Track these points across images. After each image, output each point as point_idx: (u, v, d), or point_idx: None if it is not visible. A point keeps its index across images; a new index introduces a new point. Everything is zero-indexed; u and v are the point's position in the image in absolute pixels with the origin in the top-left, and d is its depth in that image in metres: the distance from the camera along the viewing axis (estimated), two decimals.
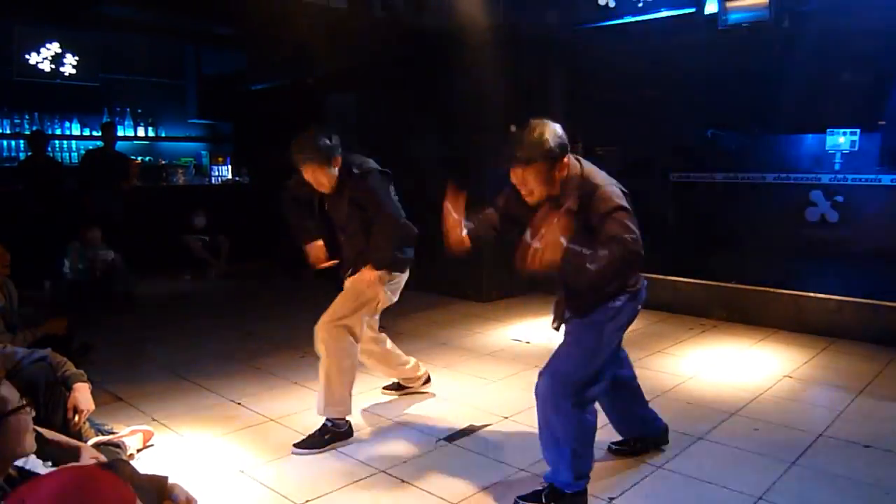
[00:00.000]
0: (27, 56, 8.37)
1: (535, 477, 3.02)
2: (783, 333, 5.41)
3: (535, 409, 3.80)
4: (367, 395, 4.09)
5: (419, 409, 3.88)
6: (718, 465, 3.14)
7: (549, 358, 2.81)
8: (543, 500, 2.75)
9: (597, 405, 2.86)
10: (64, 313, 4.35)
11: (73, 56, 8.70)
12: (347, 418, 3.46)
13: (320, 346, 3.44)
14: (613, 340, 2.78)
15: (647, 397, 3.98)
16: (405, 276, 3.70)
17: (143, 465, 3.09)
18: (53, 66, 8.56)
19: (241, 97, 9.77)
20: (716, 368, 4.60)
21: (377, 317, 3.76)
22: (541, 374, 2.80)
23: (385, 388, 4.18)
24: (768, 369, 4.57)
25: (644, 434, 3.29)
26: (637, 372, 4.39)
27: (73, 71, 8.73)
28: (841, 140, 5.59)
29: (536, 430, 3.52)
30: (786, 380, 4.36)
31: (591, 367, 2.71)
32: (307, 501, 2.82)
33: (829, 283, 5.39)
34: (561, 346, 2.82)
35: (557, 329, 2.89)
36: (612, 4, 5.99)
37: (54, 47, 8.54)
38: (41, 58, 8.46)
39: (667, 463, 3.15)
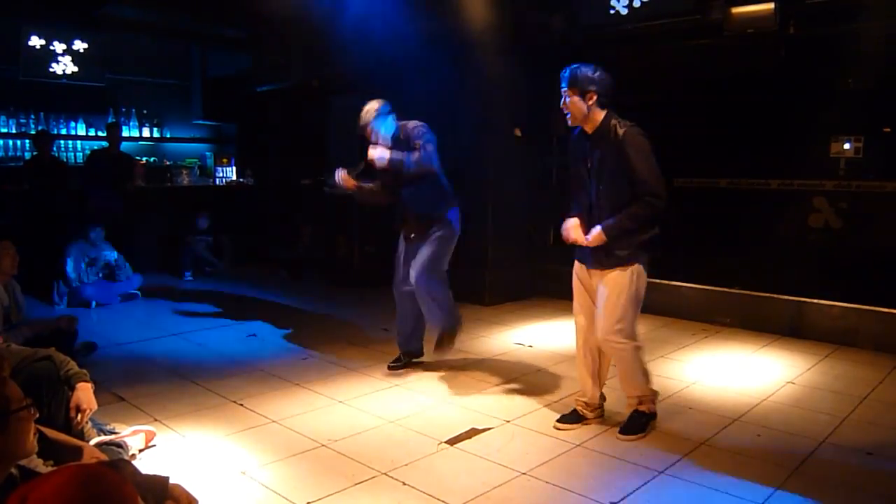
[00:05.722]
0: (33, 56, 8.40)
1: (538, 481, 3.01)
2: (786, 339, 5.39)
3: (536, 412, 3.82)
4: (368, 397, 4.10)
5: (421, 412, 3.88)
6: (720, 470, 3.13)
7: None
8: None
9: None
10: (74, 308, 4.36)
11: (79, 56, 8.73)
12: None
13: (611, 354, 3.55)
14: None
15: None
16: None
17: (145, 465, 3.09)
18: (59, 66, 8.58)
19: (246, 99, 9.80)
20: (719, 374, 4.59)
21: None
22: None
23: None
24: (771, 375, 4.56)
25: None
26: None
27: (79, 71, 8.75)
28: (846, 147, 5.57)
29: (539, 434, 3.54)
30: (789, 386, 4.35)
31: None
32: (308, 503, 2.82)
33: (832, 289, 5.38)
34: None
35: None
36: (623, 12, 6.00)
37: (60, 47, 8.57)
38: (47, 58, 8.49)
39: (669, 468, 3.14)
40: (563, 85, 3.32)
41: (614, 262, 3.34)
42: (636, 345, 3.43)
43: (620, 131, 3.24)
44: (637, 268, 3.35)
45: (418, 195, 4.34)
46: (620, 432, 3.49)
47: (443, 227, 4.35)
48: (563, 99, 3.34)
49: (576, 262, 3.58)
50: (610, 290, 3.36)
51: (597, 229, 3.30)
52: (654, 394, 3.60)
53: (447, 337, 4.49)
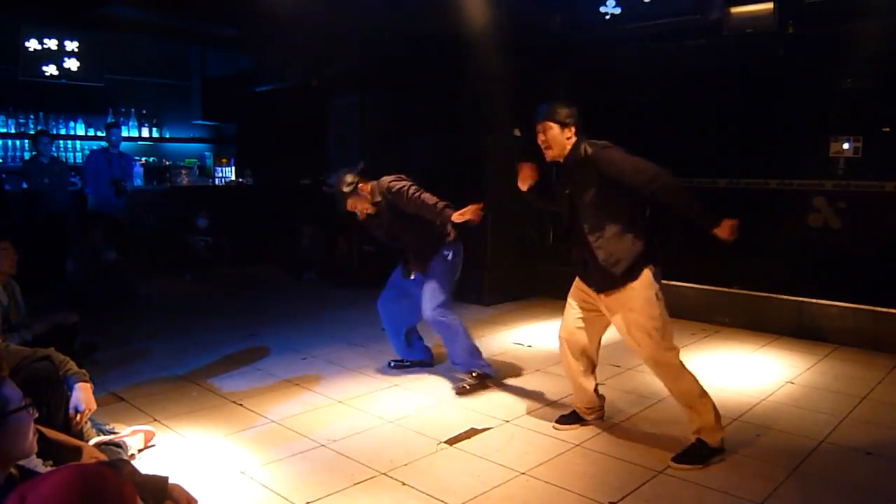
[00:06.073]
0: (32, 56, 8.39)
1: (537, 481, 3.02)
2: (786, 339, 5.40)
3: (536, 412, 3.82)
4: (367, 397, 4.11)
5: (420, 412, 3.88)
6: (720, 470, 3.13)
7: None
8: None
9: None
10: (75, 309, 4.37)
11: (78, 56, 8.71)
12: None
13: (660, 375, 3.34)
14: None
15: (648, 401, 4.00)
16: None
17: (144, 465, 3.09)
18: (58, 66, 8.57)
19: (246, 99, 9.80)
20: (718, 374, 4.58)
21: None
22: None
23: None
24: (770, 375, 4.56)
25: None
26: (638, 376, 4.41)
27: (78, 71, 8.74)
28: (845, 146, 5.58)
29: (538, 434, 3.54)
30: (788, 386, 4.35)
31: None
32: (308, 503, 2.82)
33: (832, 289, 5.38)
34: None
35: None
36: (616, 12, 6.02)
37: (59, 47, 8.55)
38: (46, 58, 8.48)
39: (668, 468, 3.14)
40: (541, 119, 3.35)
41: (627, 278, 3.20)
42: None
43: (590, 150, 3.27)
44: (649, 272, 3.21)
45: (415, 241, 4.31)
46: (673, 460, 3.18)
47: (439, 260, 4.28)
48: (541, 134, 3.37)
49: (577, 279, 3.50)
50: (638, 308, 3.19)
51: (722, 224, 3.16)
52: (718, 419, 3.25)
53: (471, 379, 4.24)
